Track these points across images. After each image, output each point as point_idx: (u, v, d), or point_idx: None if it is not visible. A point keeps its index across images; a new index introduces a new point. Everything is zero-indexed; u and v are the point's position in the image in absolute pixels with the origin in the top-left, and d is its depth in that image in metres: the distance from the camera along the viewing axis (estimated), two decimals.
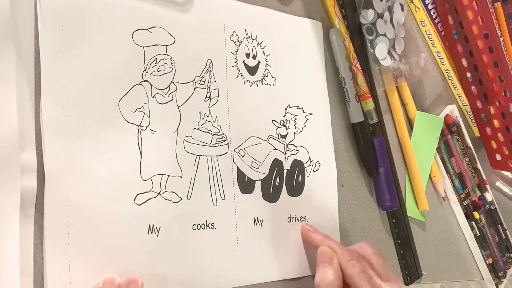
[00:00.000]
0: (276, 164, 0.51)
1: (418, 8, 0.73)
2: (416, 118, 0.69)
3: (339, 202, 0.56)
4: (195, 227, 0.44)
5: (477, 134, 0.80)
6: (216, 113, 0.47)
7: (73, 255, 0.37)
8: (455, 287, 0.71)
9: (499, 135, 0.75)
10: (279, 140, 0.52)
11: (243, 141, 0.49)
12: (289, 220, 0.51)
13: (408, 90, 0.69)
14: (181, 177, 0.44)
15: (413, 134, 0.68)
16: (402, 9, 0.64)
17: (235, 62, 0.50)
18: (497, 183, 0.86)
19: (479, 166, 0.77)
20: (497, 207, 0.79)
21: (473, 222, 0.74)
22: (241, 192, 0.48)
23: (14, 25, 0.36)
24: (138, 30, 0.43)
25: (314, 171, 0.54)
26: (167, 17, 0.45)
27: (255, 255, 0.48)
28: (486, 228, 0.76)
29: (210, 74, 0.47)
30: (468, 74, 0.75)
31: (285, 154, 0.52)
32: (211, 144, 0.46)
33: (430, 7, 0.75)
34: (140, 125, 0.42)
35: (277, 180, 0.51)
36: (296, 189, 0.52)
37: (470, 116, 0.79)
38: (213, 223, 0.45)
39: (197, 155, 0.45)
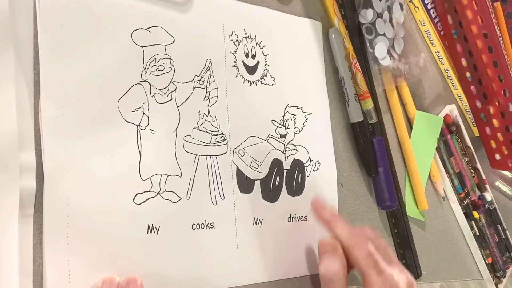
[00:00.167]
0: (276, 164, 0.51)
1: (418, 8, 0.73)
2: (415, 118, 0.69)
3: (339, 202, 0.56)
4: (194, 226, 0.44)
5: (477, 133, 0.80)
6: (215, 113, 0.47)
7: (73, 254, 0.37)
8: (454, 287, 0.71)
9: (499, 134, 0.75)
10: (279, 140, 0.52)
11: (242, 141, 0.49)
12: (289, 220, 0.51)
13: (407, 90, 0.69)
14: (180, 176, 0.44)
15: (412, 133, 0.68)
16: (402, 8, 0.64)
17: (234, 61, 0.50)
18: (497, 183, 0.86)
19: (478, 165, 0.77)
20: (496, 207, 0.79)
21: (472, 221, 0.74)
22: (241, 192, 0.48)
23: (13, 25, 0.36)
24: (137, 29, 0.43)
25: (314, 170, 0.54)
26: (166, 16, 0.45)
27: (255, 255, 0.48)
28: (485, 227, 0.77)
29: (210, 74, 0.47)
30: (468, 74, 0.76)
31: (284, 153, 0.52)
32: (210, 144, 0.46)
33: (429, 6, 0.75)
34: (139, 124, 0.42)
35: (277, 180, 0.51)
36: (296, 189, 0.52)
37: (470, 116, 0.79)
38: (213, 223, 0.45)
39: (196, 155, 0.45)
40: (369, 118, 0.60)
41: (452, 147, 0.74)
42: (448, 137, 0.73)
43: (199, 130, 0.46)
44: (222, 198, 0.47)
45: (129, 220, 0.40)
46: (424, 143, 0.69)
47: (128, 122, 0.41)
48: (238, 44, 0.50)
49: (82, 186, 0.38)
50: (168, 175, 0.43)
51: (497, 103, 0.73)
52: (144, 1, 0.44)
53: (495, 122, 0.75)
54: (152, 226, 0.42)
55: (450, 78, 0.77)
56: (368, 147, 0.60)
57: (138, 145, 0.42)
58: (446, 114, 0.74)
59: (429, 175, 0.70)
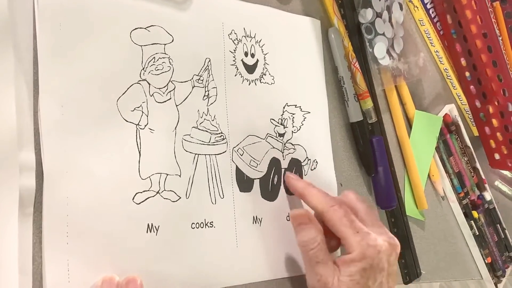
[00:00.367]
0: (274, 163, 0.51)
1: (417, 8, 0.73)
2: (415, 118, 0.69)
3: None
4: (194, 225, 0.44)
5: (476, 133, 0.80)
6: (214, 112, 0.47)
7: (72, 254, 0.37)
8: (454, 287, 0.71)
9: (498, 134, 0.75)
10: (277, 139, 0.52)
11: (241, 140, 0.49)
12: (287, 219, 0.51)
13: (407, 90, 0.69)
14: (179, 176, 0.44)
15: (412, 133, 0.68)
16: (401, 8, 0.64)
17: (234, 60, 0.50)
18: (496, 182, 0.86)
19: (478, 165, 0.77)
20: (496, 206, 0.79)
21: (472, 221, 0.74)
22: (240, 191, 0.48)
23: (12, 25, 0.36)
24: (136, 29, 0.43)
25: (311, 169, 0.54)
26: (165, 16, 0.45)
27: (254, 253, 0.48)
28: (485, 227, 0.77)
29: (209, 73, 0.47)
30: (467, 74, 0.76)
31: (282, 152, 0.52)
32: (209, 143, 0.46)
33: (428, 6, 0.75)
34: (138, 124, 0.42)
35: (275, 179, 0.51)
36: None
37: (469, 116, 0.79)
38: (212, 222, 0.45)
39: (195, 154, 0.45)
40: (369, 118, 0.60)
41: (452, 147, 0.74)
42: (447, 137, 0.73)
43: (198, 129, 0.46)
44: (222, 197, 0.47)
45: (128, 219, 0.40)
46: (423, 143, 0.69)
47: (127, 121, 0.41)
48: (238, 43, 0.50)
49: (81, 185, 0.38)
50: (167, 174, 0.43)
51: (496, 103, 0.73)
52: (143, 0, 0.44)
53: (494, 121, 0.75)
54: (152, 225, 0.42)
55: (449, 77, 0.77)
56: (368, 146, 0.60)
57: (137, 144, 0.42)
58: (446, 114, 0.74)
59: (429, 175, 0.70)
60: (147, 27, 0.44)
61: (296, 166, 0.53)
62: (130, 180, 0.41)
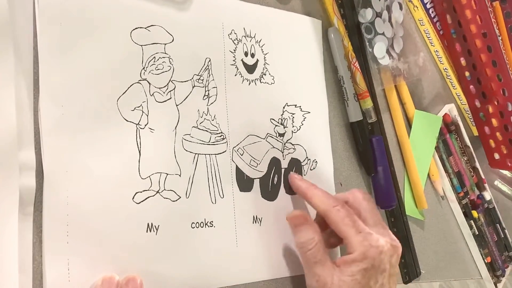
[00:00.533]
0: (274, 163, 0.51)
1: (417, 7, 0.73)
2: (414, 117, 0.69)
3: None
4: (194, 225, 0.44)
5: (476, 133, 0.80)
6: (214, 112, 0.47)
7: (72, 253, 0.37)
8: (453, 286, 0.71)
9: (498, 134, 0.75)
10: (277, 139, 0.52)
11: (241, 140, 0.49)
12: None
13: (406, 89, 0.69)
14: (179, 175, 0.44)
15: (411, 133, 0.68)
16: (401, 8, 0.64)
17: (234, 60, 0.50)
18: (496, 182, 0.86)
19: (477, 165, 0.77)
20: (495, 206, 0.79)
21: (471, 221, 0.74)
22: (240, 191, 0.48)
23: (12, 24, 0.36)
24: (136, 28, 0.43)
25: (311, 169, 0.54)
26: (166, 15, 0.45)
27: (254, 253, 0.48)
28: (484, 227, 0.77)
29: (209, 73, 0.48)
30: (467, 73, 0.76)
31: (282, 152, 0.52)
32: (209, 143, 0.46)
33: (428, 6, 0.75)
34: (138, 123, 0.42)
35: (275, 179, 0.51)
36: None
37: (469, 115, 0.79)
38: (212, 222, 0.45)
39: (195, 154, 0.45)
40: (368, 118, 0.60)
41: (451, 147, 0.74)
42: (447, 137, 0.74)
43: (198, 129, 0.46)
44: (222, 196, 0.47)
45: (128, 218, 0.40)
46: (423, 143, 0.69)
47: (127, 121, 0.42)
48: (238, 42, 0.50)
49: (81, 185, 0.38)
50: (167, 174, 0.43)
51: (496, 103, 0.73)
52: (143, 0, 0.44)
53: (494, 121, 0.75)
54: (152, 224, 0.42)
55: (449, 77, 0.77)
56: (367, 146, 0.60)
57: (137, 143, 0.42)
58: (445, 114, 0.74)
59: (428, 175, 0.70)
60: (148, 26, 0.44)
61: (296, 166, 0.53)
62: (130, 179, 0.41)
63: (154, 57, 0.44)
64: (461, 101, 0.78)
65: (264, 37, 0.53)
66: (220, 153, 0.47)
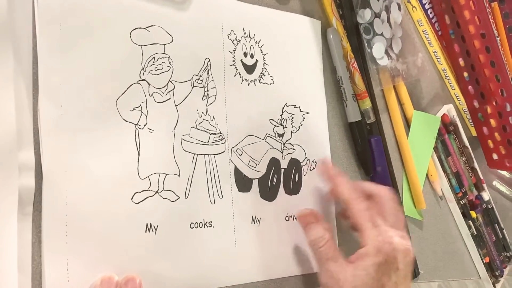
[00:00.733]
0: (273, 163, 0.51)
1: (415, 8, 0.73)
2: (413, 118, 0.69)
3: (336, 201, 0.56)
4: (192, 225, 0.44)
5: (474, 133, 0.80)
6: (213, 112, 0.47)
7: (71, 253, 0.37)
8: (452, 286, 0.71)
9: (496, 134, 0.76)
10: (276, 139, 0.52)
11: (240, 140, 0.49)
12: (286, 219, 0.51)
13: (405, 90, 0.69)
14: (178, 175, 0.44)
15: (410, 133, 0.68)
16: (399, 8, 0.64)
17: (233, 61, 0.50)
18: (494, 182, 0.86)
19: (476, 165, 0.77)
20: (494, 206, 0.79)
21: (470, 221, 0.74)
22: (239, 191, 0.48)
23: (12, 25, 0.36)
24: (136, 29, 0.43)
25: (310, 169, 0.54)
26: (165, 16, 0.45)
27: (253, 253, 0.48)
28: (483, 227, 0.77)
29: (208, 73, 0.48)
30: (465, 74, 0.76)
31: (282, 152, 0.52)
32: (208, 143, 0.46)
33: (427, 6, 0.75)
34: (137, 124, 0.42)
35: (274, 179, 0.51)
36: (293, 188, 0.53)
37: (467, 116, 0.79)
38: (211, 222, 0.46)
39: (194, 154, 0.45)
40: (367, 118, 0.60)
41: (450, 147, 0.74)
42: (445, 137, 0.74)
43: (198, 129, 0.46)
44: (220, 197, 0.47)
45: (127, 219, 0.40)
46: (421, 143, 0.69)
47: (126, 121, 0.42)
48: (237, 43, 0.50)
49: (80, 185, 0.38)
50: (166, 174, 0.43)
51: (494, 103, 0.73)
52: (142, 0, 0.44)
53: (492, 122, 0.75)
54: (151, 225, 0.42)
55: (447, 78, 0.77)
56: (366, 146, 0.60)
57: (136, 144, 0.42)
58: (444, 114, 0.74)
59: (427, 175, 0.70)
60: (147, 27, 0.44)
61: (295, 166, 0.53)
62: (129, 179, 0.41)
63: (154, 57, 0.44)
64: (460, 102, 0.78)
65: (263, 37, 0.53)
66: (219, 154, 0.47)
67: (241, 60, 0.51)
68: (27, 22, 0.38)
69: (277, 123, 0.52)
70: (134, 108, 0.42)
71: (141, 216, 0.41)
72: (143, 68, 0.43)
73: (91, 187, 0.39)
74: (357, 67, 0.59)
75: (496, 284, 0.76)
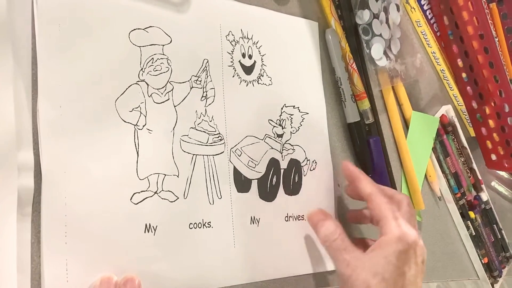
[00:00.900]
0: (273, 163, 0.51)
1: (414, 9, 0.73)
2: (411, 118, 0.69)
3: (336, 201, 0.57)
4: (191, 226, 0.44)
5: (473, 134, 0.80)
6: (212, 113, 0.47)
7: (70, 254, 0.37)
8: (451, 287, 0.71)
9: (494, 135, 0.76)
10: (276, 140, 0.52)
11: (239, 141, 0.49)
12: (286, 219, 0.51)
13: (403, 90, 0.69)
14: (177, 176, 0.44)
15: (408, 134, 0.68)
16: (398, 9, 0.64)
17: (231, 61, 0.50)
18: (493, 183, 0.86)
19: (474, 166, 0.78)
20: (492, 207, 0.80)
21: (468, 221, 0.74)
22: (238, 191, 0.48)
23: (11, 25, 0.36)
24: (134, 30, 0.43)
25: (310, 170, 0.55)
26: (164, 17, 0.45)
27: (252, 254, 0.48)
28: (481, 227, 0.77)
29: (207, 74, 0.48)
30: (464, 75, 0.76)
31: (281, 153, 0.52)
32: (207, 144, 0.47)
33: (425, 7, 0.75)
34: (136, 124, 0.42)
35: (274, 179, 0.51)
36: (293, 188, 0.53)
37: (466, 116, 0.80)
38: (210, 222, 0.46)
39: (193, 154, 0.46)
40: (366, 118, 0.60)
41: (448, 147, 0.74)
42: (444, 138, 0.74)
43: (196, 129, 0.46)
44: (219, 197, 0.47)
45: (126, 219, 0.40)
46: (420, 143, 0.69)
47: (125, 121, 0.42)
48: (235, 44, 0.50)
49: (80, 186, 0.38)
50: (165, 175, 0.43)
51: (493, 104, 0.73)
52: (141, 1, 0.44)
53: (491, 122, 0.75)
54: (150, 225, 0.42)
55: (446, 78, 0.77)
56: (365, 147, 0.60)
57: (135, 144, 0.42)
58: (442, 115, 0.74)
59: (425, 175, 0.70)
60: (146, 28, 0.44)
61: (295, 166, 0.53)
62: (128, 180, 0.41)
63: (152, 58, 0.44)
64: (458, 102, 0.79)
65: (261, 38, 0.53)
66: (218, 154, 0.47)
67: (239, 61, 0.51)
68: (26, 23, 0.38)
69: (276, 123, 0.52)
70: (133, 109, 0.42)
71: (140, 216, 0.41)
72: (142, 69, 0.43)
73: (90, 188, 0.39)
74: (355, 68, 0.59)
75: (494, 285, 0.77)
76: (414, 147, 0.68)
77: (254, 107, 0.51)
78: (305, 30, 0.57)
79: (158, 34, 0.45)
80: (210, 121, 0.47)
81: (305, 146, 0.54)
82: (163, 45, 0.45)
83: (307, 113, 0.55)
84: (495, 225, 0.80)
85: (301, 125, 0.55)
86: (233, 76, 0.50)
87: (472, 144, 0.78)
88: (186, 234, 0.44)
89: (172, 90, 0.45)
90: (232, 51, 0.50)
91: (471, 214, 0.75)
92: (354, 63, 0.59)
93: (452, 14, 0.72)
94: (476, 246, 0.74)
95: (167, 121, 0.44)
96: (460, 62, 0.75)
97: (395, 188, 0.63)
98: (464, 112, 0.79)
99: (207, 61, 0.48)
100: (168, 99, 0.45)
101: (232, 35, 0.50)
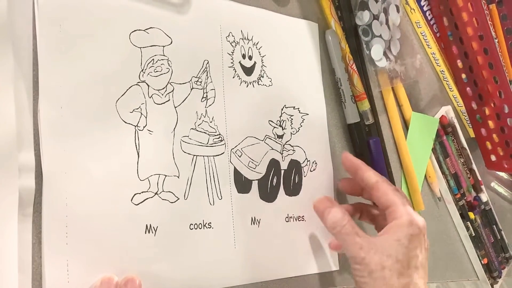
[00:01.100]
0: (273, 164, 0.51)
1: (414, 10, 0.73)
2: (411, 119, 0.69)
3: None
4: (192, 226, 0.44)
5: (472, 135, 0.80)
6: (212, 114, 0.48)
7: (71, 254, 0.37)
8: (450, 287, 0.71)
9: (494, 136, 0.76)
10: (276, 140, 0.52)
11: (240, 141, 0.49)
12: (286, 220, 0.51)
13: (403, 91, 0.69)
14: (178, 177, 0.44)
15: (408, 134, 0.68)
16: (398, 10, 0.64)
17: (232, 62, 0.50)
18: (492, 184, 0.86)
19: (474, 166, 0.78)
20: (492, 208, 0.80)
21: (468, 222, 0.74)
22: (238, 192, 0.48)
23: (12, 26, 0.36)
24: (135, 31, 0.43)
25: (311, 171, 0.55)
26: (164, 18, 0.45)
27: (252, 254, 0.48)
28: (481, 228, 0.77)
29: (207, 75, 0.48)
30: (463, 75, 0.76)
31: (282, 154, 0.52)
32: (208, 144, 0.47)
33: (425, 8, 0.75)
34: (137, 125, 0.42)
35: (274, 180, 0.51)
36: (293, 189, 0.53)
37: (465, 117, 0.80)
38: (210, 223, 0.46)
39: (194, 155, 0.46)
40: (366, 119, 0.60)
41: (448, 148, 0.74)
42: (444, 138, 0.74)
43: (197, 130, 0.46)
44: (220, 198, 0.47)
45: (127, 220, 0.40)
46: (420, 144, 0.69)
47: (126, 122, 0.42)
48: (235, 45, 0.51)
49: (80, 187, 0.38)
50: (166, 176, 0.43)
51: (492, 105, 0.73)
52: (142, 3, 0.44)
53: (490, 123, 0.75)
54: (150, 226, 0.42)
55: (446, 79, 0.77)
56: (365, 148, 0.60)
57: (136, 145, 0.42)
58: (442, 116, 0.75)
59: (425, 176, 0.70)
60: (146, 29, 0.44)
61: (295, 167, 0.53)
62: (128, 181, 0.41)
63: (153, 59, 0.44)
64: (458, 103, 0.79)
65: (261, 39, 0.53)
66: (218, 155, 0.47)
67: (239, 62, 0.51)
68: (27, 24, 0.38)
69: (276, 124, 0.52)
70: (133, 110, 0.42)
71: (140, 217, 0.41)
72: (142, 70, 0.43)
73: (91, 189, 0.39)
74: (355, 69, 0.59)
75: (494, 285, 0.77)
76: (414, 148, 0.68)
77: (255, 108, 0.51)
78: (305, 31, 0.58)
79: (158, 35, 0.45)
80: (211, 122, 0.47)
81: (305, 146, 0.55)
82: (164, 46, 0.45)
83: (307, 114, 0.56)
84: (494, 226, 0.80)
85: (301, 126, 0.55)
86: (233, 77, 0.50)
87: (471, 145, 0.79)
88: (186, 234, 0.44)
89: (172, 91, 0.45)
90: (232, 52, 0.50)
91: (471, 215, 0.75)
92: (354, 64, 0.59)
93: (452, 15, 0.72)
94: (476, 247, 0.75)
95: (167, 122, 0.44)
96: (459, 63, 0.75)
97: None
98: (464, 113, 0.79)
99: (208, 62, 0.48)
100: (169, 100, 0.45)
101: (232, 36, 0.50)
